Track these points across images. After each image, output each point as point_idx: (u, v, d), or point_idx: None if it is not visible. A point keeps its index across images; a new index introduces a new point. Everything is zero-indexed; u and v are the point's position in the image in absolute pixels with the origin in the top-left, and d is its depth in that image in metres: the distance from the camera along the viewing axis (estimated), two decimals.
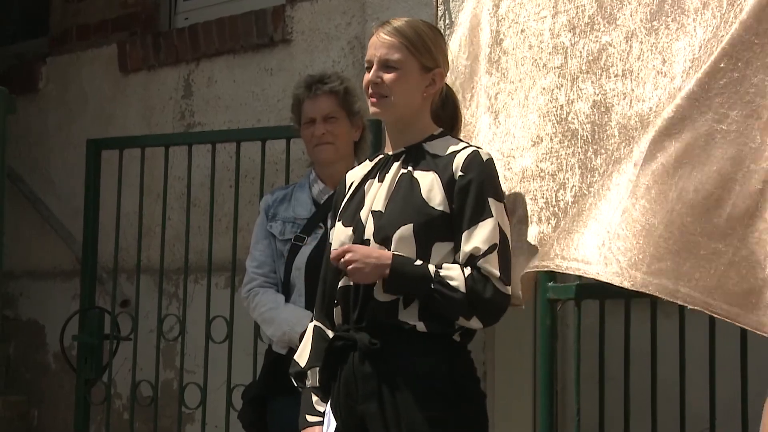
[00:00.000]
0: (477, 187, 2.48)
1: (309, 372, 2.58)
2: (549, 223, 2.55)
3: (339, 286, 2.56)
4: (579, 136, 2.53)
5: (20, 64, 5.59)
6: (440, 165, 2.52)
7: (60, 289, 5.08)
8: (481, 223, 2.45)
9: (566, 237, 2.38)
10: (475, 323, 2.47)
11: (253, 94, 4.50)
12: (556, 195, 2.57)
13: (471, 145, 2.57)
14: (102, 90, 5.10)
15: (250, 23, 4.51)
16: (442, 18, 3.77)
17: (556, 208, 2.56)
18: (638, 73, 2.44)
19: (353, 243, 2.53)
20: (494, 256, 2.44)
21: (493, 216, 2.46)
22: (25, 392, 5.20)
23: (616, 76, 2.48)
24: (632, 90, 2.44)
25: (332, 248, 2.58)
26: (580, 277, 3.19)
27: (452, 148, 2.55)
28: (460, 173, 2.49)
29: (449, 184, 2.50)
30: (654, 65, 2.41)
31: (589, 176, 2.49)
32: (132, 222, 4.27)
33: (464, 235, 2.46)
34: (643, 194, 2.24)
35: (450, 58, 2.83)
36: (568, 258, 2.34)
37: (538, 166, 2.61)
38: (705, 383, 2.86)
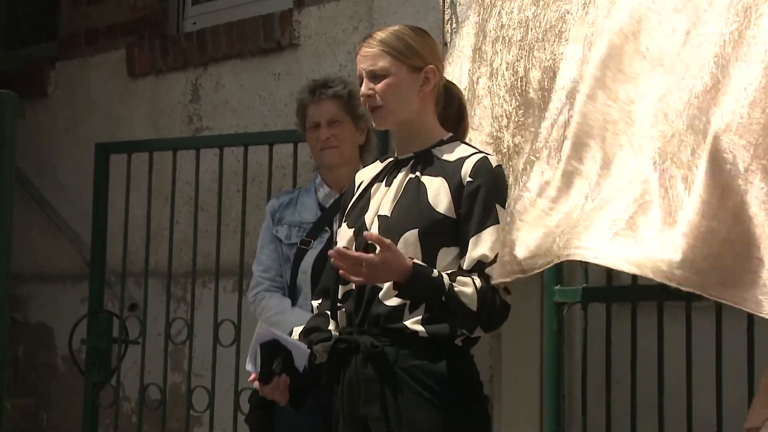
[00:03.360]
0: (485, 193, 2.48)
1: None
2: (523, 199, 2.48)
3: (343, 290, 2.57)
4: (535, 104, 2.52)
5: (29, 68, 5.61)
6: (449, 170, 2.52)
7: (68, 293, 5.10)
8: (488, 230, 2.46)
9: (578, 226, 2.29)
10: (478, 332, 2.48)
11: (260, 98, 4.52)
12: (517, 165, 2.54)
13: (480, 151, 2.56)
14: (110, 94, 5.12)
15: (258, 28, 4.52)
16: (449, 21, 3.78)
17: (520, 179, 2.51)
18: (591, 38, 2.43)
19: (355, 245, 2.53)
20: (498, 265, 2.44)
21: (499, 223, 2.46)
22: (33, 395, 5.22)
23: (566, 40, 2.47)
24: (583, 54, 2.42)
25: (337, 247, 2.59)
26: (586, 280, 3.21)
27: (461, 154, 2.55)
28: (468, 179, 2.49)
29: (457, 190, 2.50)
30: (604, 27, 2.40)
31: (533, 141, 2.47)
32: (140, 226, 4.28)
33: (471, 240, 2.46)
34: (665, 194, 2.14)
35: (461, 54, 2.83)
36: (581, 247, 2.21)
37: (513, 142, 2.60)
38: (711, 386, 2.86)
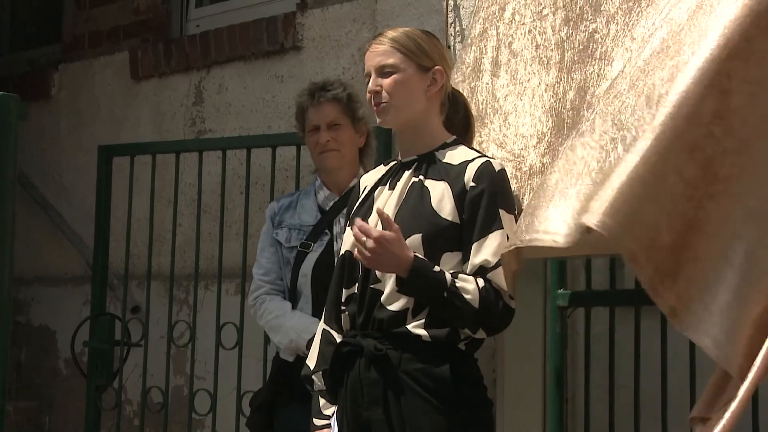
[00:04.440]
0: (488, 198, 2.46)
1: (314, 376, 2.59)
2: None
3: (347, 293, 2.56)
4: (566, 125, 2.52)
5: (33, 71, 5.62)
6: (452, 174, 2.51)
7: (71, 295, 5.09)
8: (491, 235, 2.44)
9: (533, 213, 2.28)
10: (480, 334, 2.47)
11: (263, 100, 4.51)
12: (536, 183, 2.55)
13: (483, 155, 2.55)
14: (114, 97, 5.12)
15: (261, 30, 4.52)
16: (453, 25, 3.78)
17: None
18: (610, 53, 2.44)
19: (357, 249, 2.52)
20: (503, 270, 2.43)
21: (503, 228, 2.45)
22: (36, 398, 5.21)
23: (596, 59, 2.48)
24: (603, 69, 2.44)
25: (341, 252, 2.59)
26: (590, 284, 3.20)
27: (464, 158, 2.53)
28: (471, 184, 2.48)
29: (460, 195, 2.48)
30: (623, 43, 2.41)
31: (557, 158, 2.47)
32: (143, 228, 4.28)
33: (474, 246, 2.45)
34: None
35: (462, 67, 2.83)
36: (533, 231, 2.21)
37: (541, 162, 2.60)
38: None
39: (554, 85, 2.61)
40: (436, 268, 2.43)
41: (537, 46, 2.68)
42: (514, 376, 3.61)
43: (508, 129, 2.71)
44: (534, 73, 2.67)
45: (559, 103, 2.59)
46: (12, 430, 4.94)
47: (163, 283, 4.29)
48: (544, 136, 2.61)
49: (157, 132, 4.88)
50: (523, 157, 2.65)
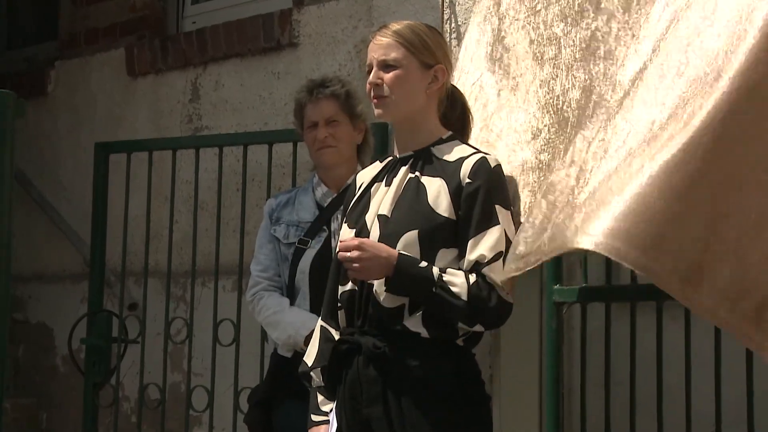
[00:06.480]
0: (484, 194, 2.46)
1: (313, 372, 2.60)
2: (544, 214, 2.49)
3: (342, 290, 2.57)
4: (569, 123, 2.51)
5: (29, 68, 5.62)
6: (448, 171, 2.51)
7: (68, 292, 5.10)
8: (488, 231, 2.44)
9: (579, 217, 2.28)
10: (477, 328, 2.47)
11: (260, 97, 4.52)
12: (534, 179, 2.55)
13: (479, 151, 2.55)
14: (110, 94, 5.12)
15: (258, 27, 4.52)
16: (448, 21, 3.78)
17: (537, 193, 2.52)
18: (614, 52, 2.43)
19: None
20: (499, 264, 2.43)
21: (500, 224, 2.45)
22: (33, 395, 5.22)
23: (599, 58, 2.48)
24: (608, 69, 2.43)
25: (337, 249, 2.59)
26: (586, 279, 3.21)
27: (460, 154, 2.54)
28: (467, 180, 2.48)
29: (456, 191, 2.49)
30: (625, 42, 2.40)
31: (562, 157, 2.46)
32: (140, 225, 4.28)
33: (470, 242, 2.45)
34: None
35: (458, 61, 2.82)
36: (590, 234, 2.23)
37: (537, 158, 2.59)
38: (711, 385, 2.86)
39: (549, 81, 2.61)
40: (423, 264, 2.44)
41: (531, 42, 2.67)
42: (511, 372, 3.62)
43: (501, 122, 2.71)
44: (527, 69, 2.67)
45: (557, 99, 2.59)
46: (10, 428, 4.95)
47: (160, 280, 4.30)
48: (540, 133, 2.61)
49: (154, 129, 4.88)
50: (515, 151, 2.65)
